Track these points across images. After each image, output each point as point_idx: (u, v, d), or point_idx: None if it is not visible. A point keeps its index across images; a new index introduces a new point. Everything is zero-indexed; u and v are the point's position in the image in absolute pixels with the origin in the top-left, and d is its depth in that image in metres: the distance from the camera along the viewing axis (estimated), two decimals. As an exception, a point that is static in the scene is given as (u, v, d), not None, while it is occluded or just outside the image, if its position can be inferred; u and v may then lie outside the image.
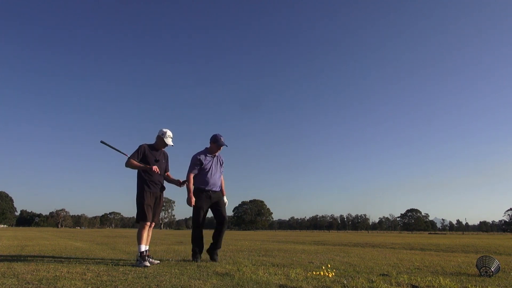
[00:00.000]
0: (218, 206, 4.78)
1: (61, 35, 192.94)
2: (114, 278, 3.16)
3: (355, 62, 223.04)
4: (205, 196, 4.70)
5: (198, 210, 4.65)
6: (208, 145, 4.86)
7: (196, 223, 4.68)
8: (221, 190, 4.92)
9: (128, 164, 4.46)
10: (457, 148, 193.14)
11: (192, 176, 4.71)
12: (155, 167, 4.42)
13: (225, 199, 4.90)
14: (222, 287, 2.82)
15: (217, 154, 4.88)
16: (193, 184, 4.72)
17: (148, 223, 4.39)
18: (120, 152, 4.57)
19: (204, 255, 4.74)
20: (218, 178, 4.86)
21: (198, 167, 4.73)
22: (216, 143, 4.78)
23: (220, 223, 4.77)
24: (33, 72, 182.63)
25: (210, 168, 4.77)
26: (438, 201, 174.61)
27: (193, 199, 4.62)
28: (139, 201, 4.42)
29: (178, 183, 4.76)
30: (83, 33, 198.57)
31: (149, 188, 4.45)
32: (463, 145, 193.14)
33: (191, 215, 4.77)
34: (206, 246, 4.72)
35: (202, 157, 4.75)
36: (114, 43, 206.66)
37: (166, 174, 4.80)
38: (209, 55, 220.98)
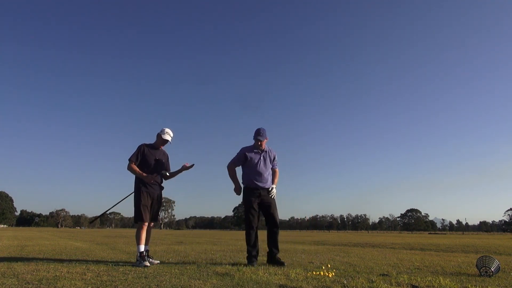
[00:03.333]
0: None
1: (60, 34, 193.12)
2: (114, 278, 3.16)
3: (355, 61, 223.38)
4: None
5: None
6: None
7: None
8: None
9: (129, 168, 4.51)
10: (457, 148, 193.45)
11: None
12: (150, 179, 4.43)
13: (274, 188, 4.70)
14: (222, 287, 2.82)
15: (266, 149, 4.71)
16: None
17: (146, 223, 4.41)
18: (107, 211, 5.24)
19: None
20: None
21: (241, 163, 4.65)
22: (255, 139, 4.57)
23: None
24: (33, 70, 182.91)
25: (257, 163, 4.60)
26: (438, 201, 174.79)
27: None
28: (136, 202, 4.45)
29: (185, 167, 4.73)
30: (83, 32, 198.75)
31: (146, 188, 4.47)
32: (463, 144, 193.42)
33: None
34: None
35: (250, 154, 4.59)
36: (114, 41, 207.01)
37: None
38: (209, 54, 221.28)
